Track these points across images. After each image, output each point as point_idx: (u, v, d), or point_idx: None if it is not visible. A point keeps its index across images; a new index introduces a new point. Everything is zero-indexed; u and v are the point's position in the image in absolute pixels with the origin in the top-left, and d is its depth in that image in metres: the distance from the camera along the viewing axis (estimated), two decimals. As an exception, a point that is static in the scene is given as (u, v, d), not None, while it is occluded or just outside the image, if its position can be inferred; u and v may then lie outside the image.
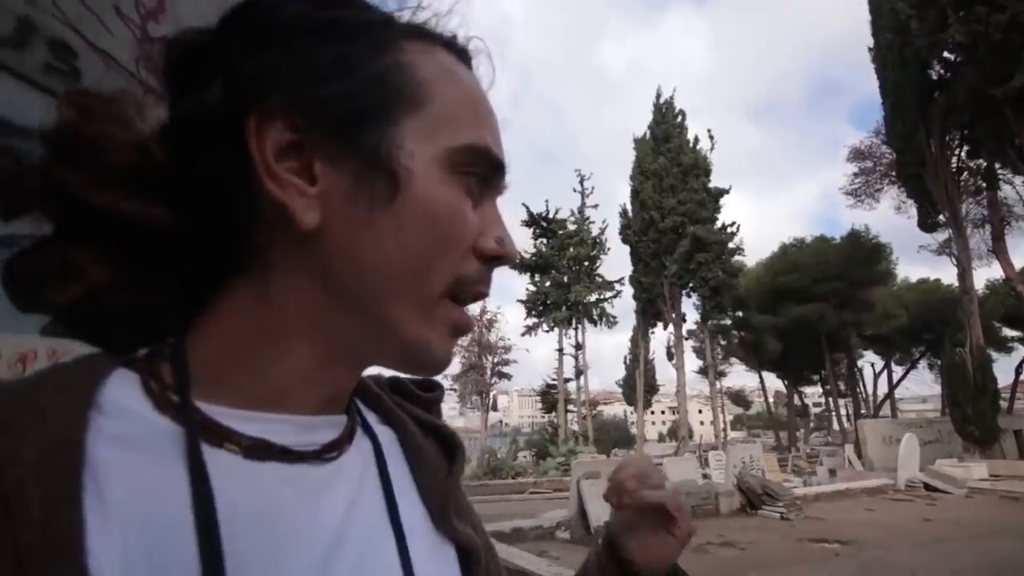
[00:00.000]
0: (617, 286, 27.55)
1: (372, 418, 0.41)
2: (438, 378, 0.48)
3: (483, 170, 0.34)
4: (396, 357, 0.35)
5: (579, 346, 27.00)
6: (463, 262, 0.34)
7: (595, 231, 27.17)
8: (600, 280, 27.11)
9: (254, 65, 0.31)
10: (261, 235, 0.32)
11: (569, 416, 26.73)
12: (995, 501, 9.50)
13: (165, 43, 0.34)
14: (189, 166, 0.32)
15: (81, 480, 0.25)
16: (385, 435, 0.40)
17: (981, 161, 17.21)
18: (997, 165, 16.76)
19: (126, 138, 0.32)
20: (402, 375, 0.47)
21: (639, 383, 29.13)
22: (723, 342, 35.73)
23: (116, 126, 0.32)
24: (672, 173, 25.91)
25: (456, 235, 0.33)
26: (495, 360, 30.55)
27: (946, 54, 15.32)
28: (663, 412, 70.47)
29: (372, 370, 0.38)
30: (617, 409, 56.90)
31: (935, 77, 16.11)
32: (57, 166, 0.30)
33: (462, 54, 0.37)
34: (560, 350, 26.78)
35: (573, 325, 26.81)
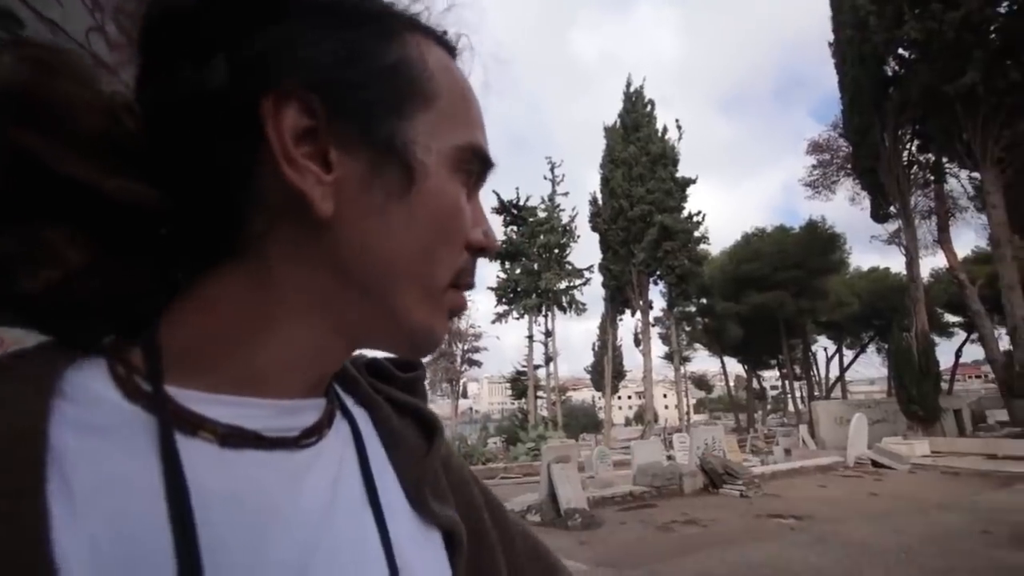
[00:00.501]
0: (586, 273, 27.85)
1: (349, 400, 0.40)
2: None
3: (477, 168, 0.35)
4: (399, 342, 0.35)
5: (549, 333, 27.24)
6: (460, 255, 0.35)
7: (565, 219, 27.30)
8: (570, 267, 27.31)
9: (262, 42, 0.29)
10: (260, 219, 0.30)
11: (539, 402, 27.01)
12: (936, 476, 10.14)
13: (146, 1, 0.31)
14: (175, 143, 0.30)
15: (44, 471, 0.24)
16: (362, 418, 0.40)
17: (930, 155, 18.06)
18: (945, 159, 17.62)
19: (92, 100, 0.29)
20: (382, 355, 0.45)
21: (607, 369, 29.68)
22: (688, 328, 36.73)
23: (79, 86, 0.28)
24: (641, 162, 26.19)
25: (458, 229, 0.34)
26: (465, 347, 30.57)
27: (902, 51, 15.91)
28: (630, 397, 72.16)
29: None
30: (585, 395, 57.94)
31: (890, 73, 16.71)
32: (17, 129, 0.27)
33: (452, 51, 0.37)
34: (530, 337, 26.96)
35: (543, 312, 26.98)
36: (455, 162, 0.34)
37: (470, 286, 0.37)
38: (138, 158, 0.29)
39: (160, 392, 0.29)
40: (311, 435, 0.34)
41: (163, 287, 0.32)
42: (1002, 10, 13.54)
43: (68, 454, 0.25)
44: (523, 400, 27.12)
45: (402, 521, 0.37)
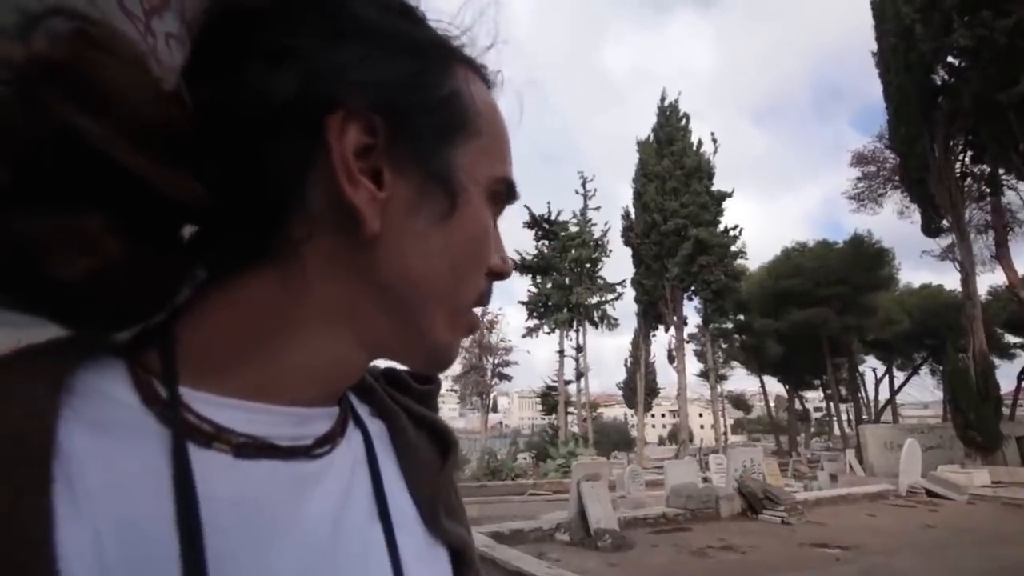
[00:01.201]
0: (619, 288, 27.60)
1: (363, 410, 0.40)
2: None
3: (504, 199, 0.38)
4: (419, 358, 0.36)
5: (580, 348, 26.98)
6: (483, 278, 0.36)
7: (597, 233, 27.25)
8: (601, 282, 27.12)
9: (333, 57, 0.30)
10: (302, 227, 0.30)
11: (569, 418, 26.69)
12: (997, 508, 9.46)
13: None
14: (227, 141, 0.29)
15: (50, 469, 0.24)
16: (376, 428, 0.39)
17: (985, 166, 17.19)
18: (1001, 171, 16.73)
19: (146, 86, 0.27)
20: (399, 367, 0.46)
21: (639, 386, 29.11)
22: (724, 345, 35.72)
23: (133, 69, 0.27)
24: (675, 176, 25.92)
25: (486, 255, 0.36)
26: (496, 361, 30.52)
27: (950, 59, 15.30)
28: (663, 415, 70.40)
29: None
30: (617, 412, 56.86)
31: (939, 82, 16.08)
32: (65, 105, 0.25)
33: (489, 85, 0.38)
34: (561, 352, 26.79)
35: (574, 327, 26.80)
36: (490, 192, 0.36)
37: (485, 305, 0.38)
38: (186, 152, 0.29)
39: (175, 398, 0.28)
40: (324, 444, 0.33)
41: (183, 283, 0.32)
42: (1061, 14, 12.86)
43: (76, 454, 0.25)
44: (553, 416, 26.87)
45: (411, 536, 0.36)
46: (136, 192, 0.27)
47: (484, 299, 0.37)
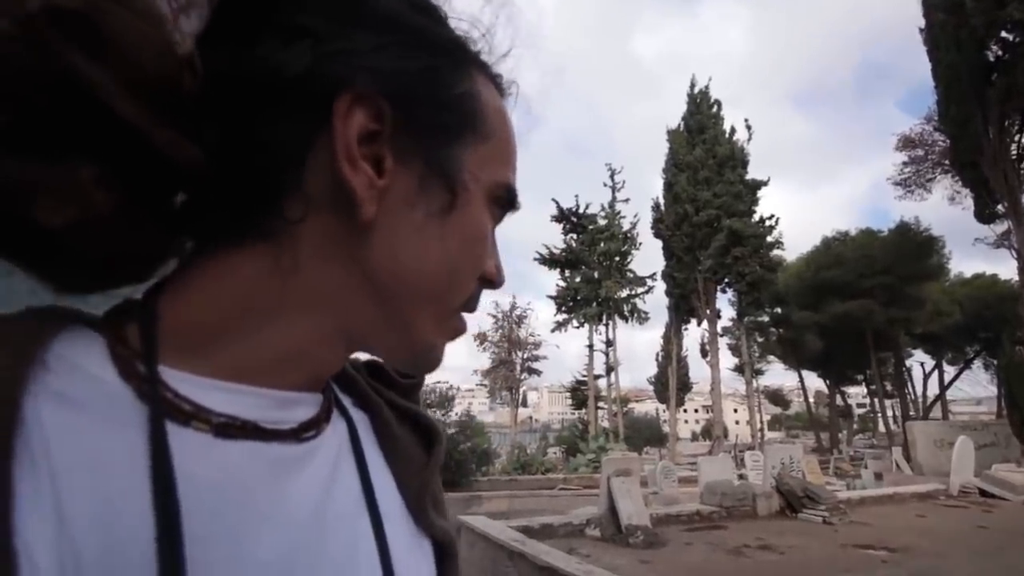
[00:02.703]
0: (649, 281, 27.08)
1: (346, 400, 0.40)
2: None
3: (505, 206, 0.37)
4: (403, 356, 0.36)
5: (610, 342, 26.69)
6: (475, 282, 0.36)
7: (626, 225, 26.78)
8: (631, 275, 26.69)
9: (350, 41, 0.30)
10: (298, 206, 0.30)
11: (599, 413, 26.48)
12: (1060, 510, 8.90)
13: None
14: (233, 112, 0.29)
15: (11, 445, 0.23)
16: (359, 419, 0.39)
17: (1045, 147, 16.10)
18: (1063, 150, 15.63)
19: (159, 43, 0.26)
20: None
21: (671, 380, 28.64)
22: (760, 339, 34.75)
23: (148, 23, 0.26)
24: (707, 165, 25.27)
25: (481, 258, 0.36)
26: (525, 356, 30.53)
27: (1004, 33, 14.37)
28: (696, 411, 69.19)
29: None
30: (649, 407, 56.22)
31: (992, 58, 15.13)
32: (74, 53, 0.24)
33: (502, 93, 0.38)
34: (590, 346, 26.53)
35: (604, 321, 26.48)
36: (492, 196, 0.36)
37: (472, 311, 0.38)
38: (189, 115, 0.28)
39: (154, 375, 0.28)
40: (309, 429, 0.33)
41: (169, 251, 0.32)
42: None
43: (44, 428, 0.24)
44: (583, 410, 26.70)
45: (398, 528, 0.36)
46: (132, 147, 0.27)
47: (472, 304, 0.37)
